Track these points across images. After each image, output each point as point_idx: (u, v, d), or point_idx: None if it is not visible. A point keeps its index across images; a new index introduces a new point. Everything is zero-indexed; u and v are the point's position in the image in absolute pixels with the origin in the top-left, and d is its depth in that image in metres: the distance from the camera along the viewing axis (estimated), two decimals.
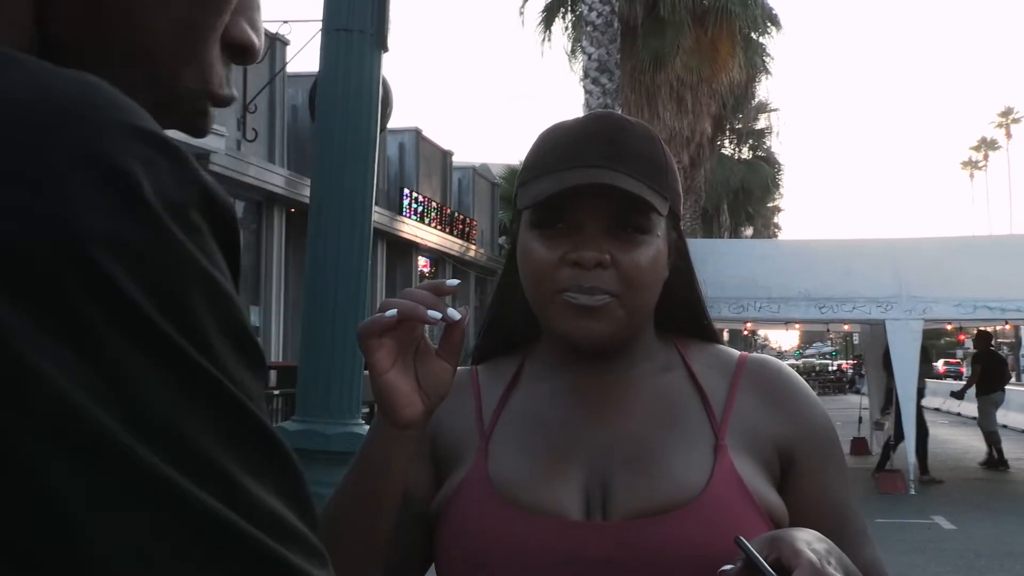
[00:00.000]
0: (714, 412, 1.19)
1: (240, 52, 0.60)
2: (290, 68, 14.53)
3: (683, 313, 1.27)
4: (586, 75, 14.15)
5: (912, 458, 11.51)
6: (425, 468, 1.22)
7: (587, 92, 14.07)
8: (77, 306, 0.42)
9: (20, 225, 0.42)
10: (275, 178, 13.56)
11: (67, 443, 0.41)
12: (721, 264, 12.42)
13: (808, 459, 1.20)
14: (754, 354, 1.28)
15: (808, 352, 71.47)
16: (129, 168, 0.44)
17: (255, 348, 0.49)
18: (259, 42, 0.61)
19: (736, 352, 1.27)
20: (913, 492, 11.32)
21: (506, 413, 1.22)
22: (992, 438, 14.01)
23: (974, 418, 24.37)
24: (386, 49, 4.14)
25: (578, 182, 1.13)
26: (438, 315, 1.04)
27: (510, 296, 1.26)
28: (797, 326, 16.73)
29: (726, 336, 37.19)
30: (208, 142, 11.59)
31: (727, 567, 1.01)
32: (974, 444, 13.82)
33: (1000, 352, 12.71)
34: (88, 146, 0.44)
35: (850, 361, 46.07)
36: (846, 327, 16.47)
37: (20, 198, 0.42)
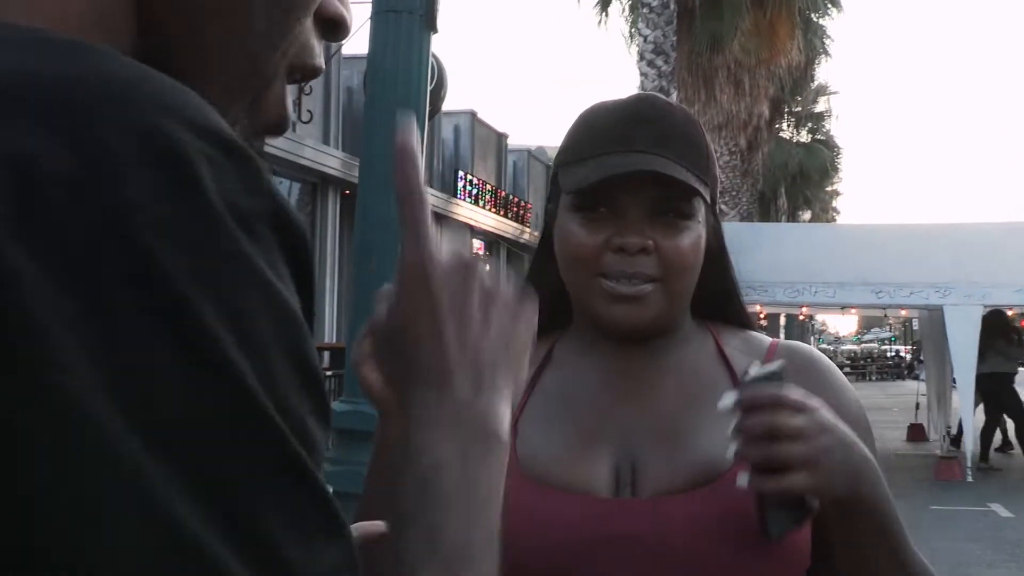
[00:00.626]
0: None
1: (332, 27, 0.60)
2: (345, 50, 14.62)
3: (718, 298, 1.27)
4: (641, 57, 14.07)
5: (970, 444, 11.34)
6: None
7: (642, 75, 13.98)
8: (109, 281, 0.40)
9: (67, 192, 0.40)
10: (330, 160, 13.67)
11: (55, 433, 0.38)
12: (777, 248, 12.31)
13: None
14: (785, 340, 1.29)
15: (866, 338, 70.55)
16: (189, 158, 0.42)
17: (319, 388, 0.44)
18: (350, 16, 0.61)
19: (768, 338, 1.28)
20: (970, 479, 11.16)
21: (536, 393, 1.23)
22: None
23: None
24: (435, 30, 4.15)
25: (625, 168, 1.13)
26: None
27: (543, 277, 1.26)
28: (854, 311, 16.51)
29: (782, 321, 36.81)
30: None
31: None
32: None
33: None
34: (149, 129, 0.42)
35: (909, 347, 45.42)
36: (903, 312, 16.24)
37: (70, 167, 0.40)
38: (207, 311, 0.41)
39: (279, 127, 0.60)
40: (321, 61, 0.61)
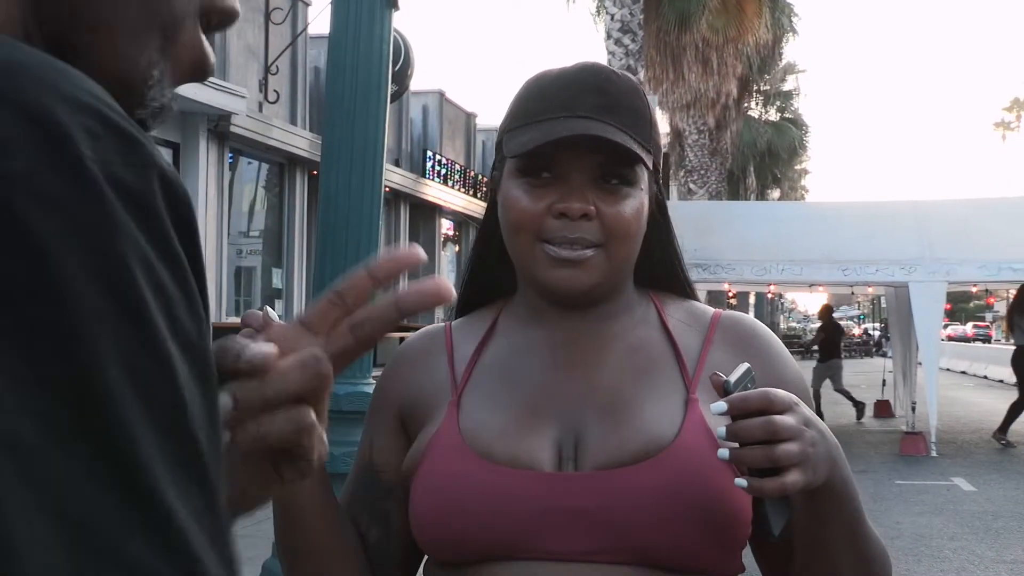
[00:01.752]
0: (687, 366, 1.20)
1: (222, 22, 0.61)
2: (312, 29, 14.51)
3: (660, 267, 1.28)
4: (608, 36, 14.05)
5: (934, 420, 11.48)
6: (391, 437, 1.25)
7: (609, 53, 13.97)
8: None
9: None
10: (297, 140, 13.58)
11: None
12: (744, 226, 12.37)
13: None
14: (728, 311, 1.29)
15: (835, 316, 71.01)
16: (70, 132, 0.43)
17: (204, 359, 0.46)
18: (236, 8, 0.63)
19: (711, 308, 1.29)
20: (935, 454, 11.30)
21: (479, 367, 1.23)
22: (845, 394, 15.15)
23: (1000, 381, 24.28)
24: (396, 7, 4.13)
25: (568, 133, 1.13)
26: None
27: (490, 245, 1.27)
28: (821, 289, 16.62)
29: (751, 299, 37.02)
30: (229, 103, 11.62)
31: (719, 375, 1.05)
32: (998, 407, 13.73)
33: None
34: (31, 107, 0.43)
35: (878, 325, 45.82)
36: (870, 290, 16.37)
37: None
38: (84, 280, 0.42)
39: (199, 71, 0.61)
40: (235, 4, 0.61)
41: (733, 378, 1.04)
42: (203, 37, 0.60)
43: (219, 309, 12.49)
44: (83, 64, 0.53)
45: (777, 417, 1.01)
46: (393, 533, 1.23)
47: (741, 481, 1.02)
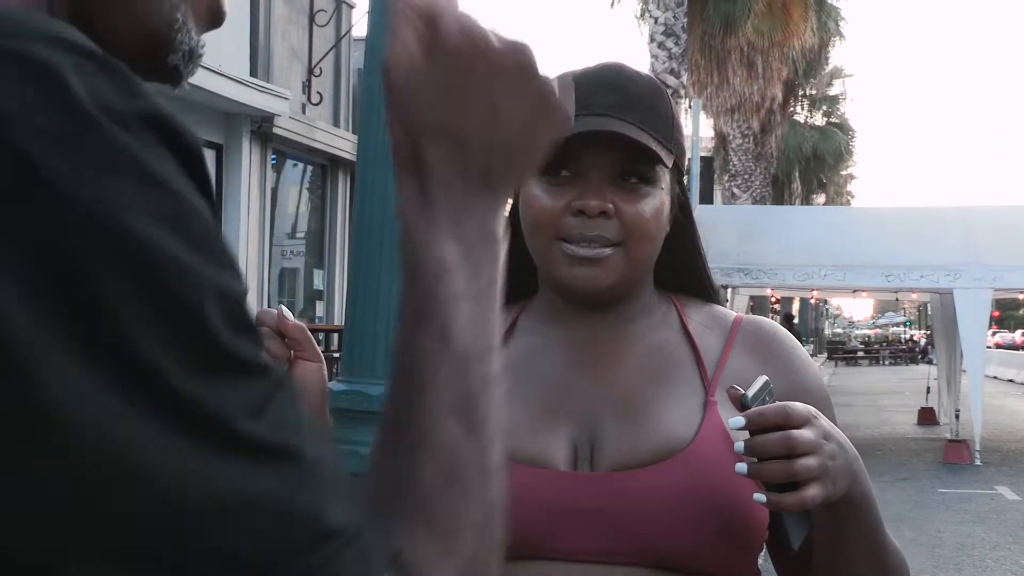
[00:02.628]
0: (706, 369, 1.19)
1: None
2: (356, 32, 14.60)
3: (683, 270, 1.27)
4: (652, 39, 13.99)
5: (979, 428, 11.31)
6: None
7: (653, 56, 13.92)
8: None
9: None
10: (340, 142, 13.66)
11: None
12: (787, 231, 12.27)
13: None
14: (750, 315, 1.29)
15: (880, 322, 70.26)
16: (58, 69, 0.44)
17: (221, 254, 0.47)
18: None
19: (732, 312, 1.28)
20: (979, 463, 11.13)
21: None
22: None
23: None
24: None
25: (584, 129, 1.12)
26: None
27: (511, 246, 1.26)
28: (866, 295, 16.44)
29: (796, 305, 36.70)
30: (272, 105, 11.72)
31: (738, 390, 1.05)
32: None
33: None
34: (18, 50, 0.44)
35: (924, 331, 45.25)
36: (915, 296, 16.17)
37: None
38: (90, 205, 0.43)
39: (215, 15, 0.65)
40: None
41: (751, 392, 1.03)
42: None
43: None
44: (107, 16, 0.56)
45: (795, 432, 1.00)
46: None
47: (760, 497, 1.02)
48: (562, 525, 1.11)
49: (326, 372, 1.13)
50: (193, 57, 0.62)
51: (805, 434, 1.01)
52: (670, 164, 1.17)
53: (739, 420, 1.02)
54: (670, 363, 1.20)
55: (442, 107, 0.57)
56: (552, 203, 1.16)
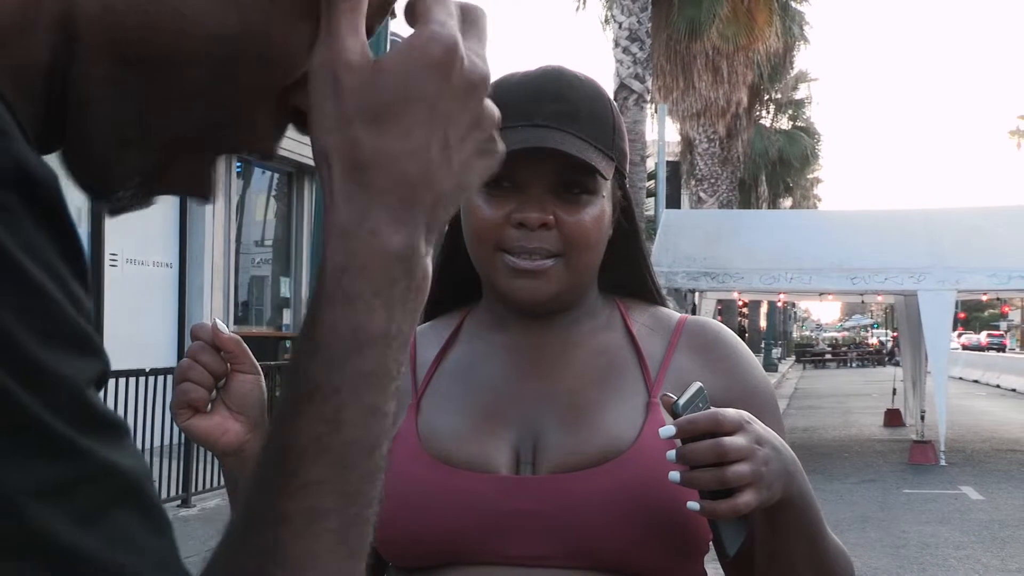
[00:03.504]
0: (649, 371, 1.19)
1: (300, 119, 0.57)
2: None
3: (627, 273, 1.27)
4: (616, 44, 14.04)
5: (943, 429, 11.41)
6: None
7: (617, 61, 13.96)
8: None
9: None
10: (305, 149, 13.49)
11: None
12: (753, 235, 12.35)
13: None
14: (694, 316, 1.29)
15: (848, 324, 70.83)
16: None
17: (79, 333, 0.44)
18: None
19: (677, 314, 1.28)
20: (943, 463, 11.24)
21: (440, 371, 1.22)
22: None
23: (1013, 390, 24.09)
24: (393, 15, 4.14)
25: (525, 144, 1.12)
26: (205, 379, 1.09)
27: (455, 252, 1.26)
28: (832, 298, 16.57)
29: (764, 308, 36.87)
30: None
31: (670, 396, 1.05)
32: (1010, 416, 13.67)
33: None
34: None
35: (891, 334, 45.67)
36: (880, 298, 16.32)
37: None
38: None
39: (196, 195, 0.59)
40: (273, 145, 0.59)
41: (683, 400, 1.03)
42: (212, 167, 0.58)
43: (229, 318, 12.52)
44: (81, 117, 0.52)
45: (726, 439, 1.00)
46: None
47: (693, 504, 1.02)
48: (504, 529, 1.10)
49: (263, 383, 1.12)
50: (124, 210, 0.58)
51: (736, 441, 1.00)
52: (610, 175, 1.17)
53: (669, 429, 1.02)
54: (613, 366, 1.20)
55: (392, 128, 0.52)
56: (492, 214, 1.15)
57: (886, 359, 40.79)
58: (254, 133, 0.57)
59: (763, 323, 37.75)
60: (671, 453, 1.02)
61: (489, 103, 0.55)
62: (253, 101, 0.55)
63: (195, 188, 0.58)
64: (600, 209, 1.17)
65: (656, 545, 1.10)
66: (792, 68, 29.61)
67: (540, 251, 1.15)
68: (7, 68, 0.50)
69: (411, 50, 0.52)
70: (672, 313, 1.27)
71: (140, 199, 0.57)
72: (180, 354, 11.93)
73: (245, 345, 1.11)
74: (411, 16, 0.53)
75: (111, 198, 0.57)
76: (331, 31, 0.52)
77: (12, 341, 0.41)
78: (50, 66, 0.52)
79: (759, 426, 1.05)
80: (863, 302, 19.12)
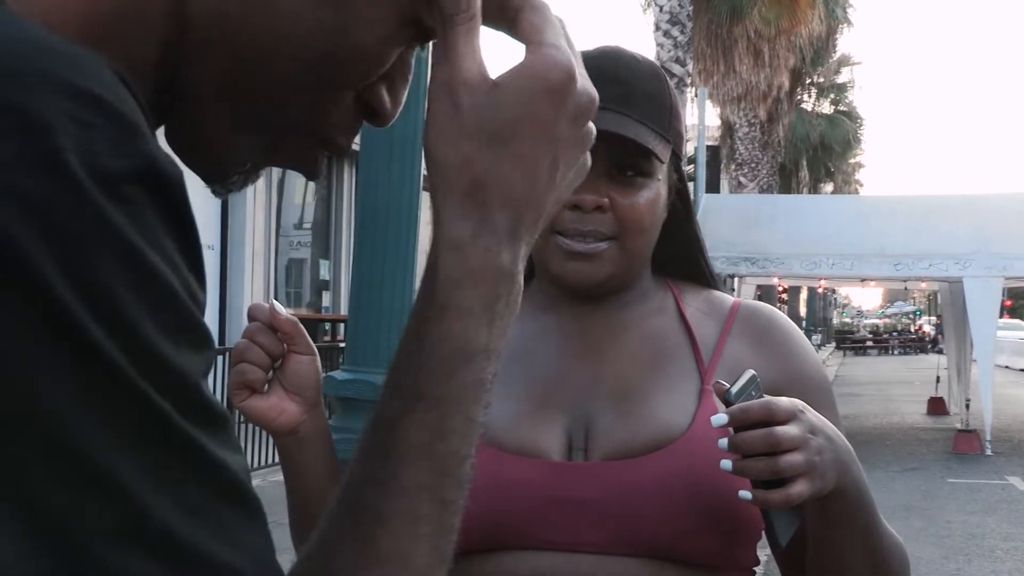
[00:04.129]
0: (702, 356, 1.18)
1: (370, 114, 0.61)
2: None
3: (681, 256, 1.26)
4: (657, 27, 13.93)
5: (989, 418, 11.26)
6: None
7: (658, 45, 13.85)
8: None
9: None
10: None
11: None
12: (794, 220, 12.24)
13: None
14: (749, 300, 1.27)
15: (890, 311, 70.22)
16: (48, 122, 0.42)
17: (195, 326, 0.45)
18: (392, 111, 0.62)
19: (731, 298, 1.26)
20: (989, 452, 11.09)
21: None
22: None
23: None
24: None
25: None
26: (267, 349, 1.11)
27: None
28: (874, 284, 16.39)
29: (803, 294, 36.64)
30: None
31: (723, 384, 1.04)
32: None
33: None
34: (12, 100, 0.42)
35: (934, 321, 45.19)
36: (924, 285, 16.12)
37: None
38: (61, 284, 0.41)
39: (305, 173, 0.63)
40: (346, 142, 0.62)
41: (735, 388, 1.02)
42: (308, 154, 0.61)
43: (268, 299, 12.60)
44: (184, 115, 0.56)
45: (779, 428, 0.99)
46: None
47: (745, 494, 1.02)
48: (555, 515, 1.09)
49: (319, 364, 1.13)
50: (235, 188, 0.62)
51: (789, 430, 1.00)
52: (667, 157, 1.16)
53: (722, 417, 1.01)
54: (666, 350, 1.18)
55: (508, 148, 0.54)
56: None
57: (929, 347, 40.37)
58: (337, 128, 0.60)
59: (803, 309, 37.48)
60: (723, 441, 1.01)
61: (591, 124, 0.59)
62: (337, 96, 0.58)
63: (302, 167, 0.62)
64: (655, 192, 1.16)
65: (707, 533, 1.09)
66: (835, 51, 29.29)
67: (594, 234, 1.14)
68: (126, 58, 0.51)
69: (531, 74, 0.54)
70: (726, 297, 1.25)
71: (249, 179, 0.61)
72: (222, 335, 12.04)
73: (301, 326, 1.12)
74: (513, 28, 0.56)
75: (225, 183, 0.60)
76: (449, 51, 0.55)
77: (135, 331, 0.42)
78: (161, 57, 0.54)
79: (812, 415, 1.03)
80: (906, 288, 18.91)
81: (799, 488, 1.00)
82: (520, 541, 1.10)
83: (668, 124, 1.16)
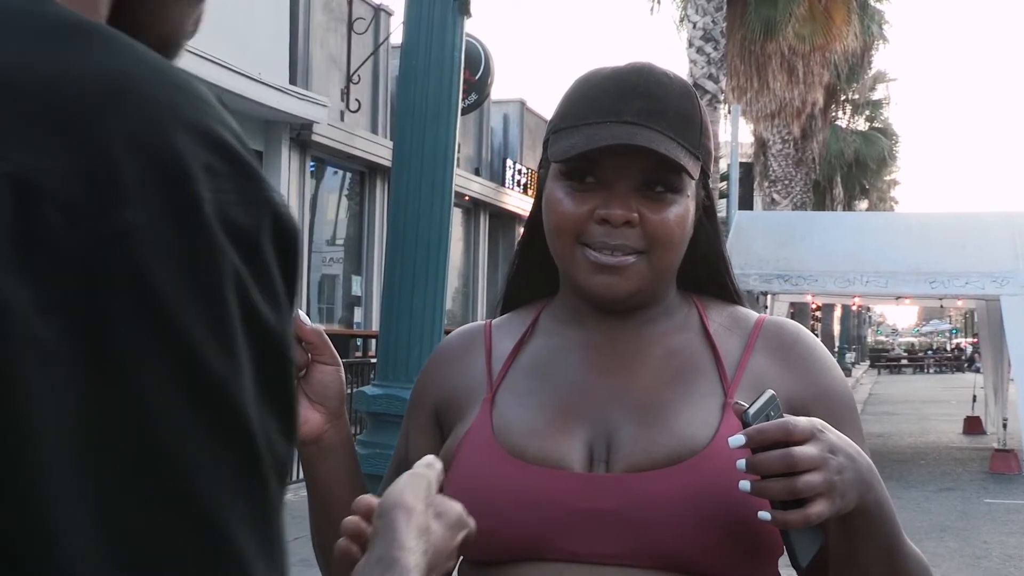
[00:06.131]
0: (726, 371, 1.17)
1: None
2: (394, 39, 14.65)
3: (705, 272, 1.26)
4: (690, 44, 13.92)
5: None
6: (425, 435, 1.25)
7: (691, 61, 13.84)
8: (108, 305, 0.41)
9: (66, 216, 0.41)
10: (378, 149, 13.71)
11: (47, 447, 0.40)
12: (828, 237, 12.14)
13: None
14: (774, 316, 1.27)
15: (925, 330, 69.48)
16: (190, 174, 0.43)
17: (290, 410, 0.48)
18: None
19: (755, 314, 1.26)
20: None
21: (516, 365, 1.22)
22: None
23: None
24: (468, 15, 4.13)
25: (612, 141, 1.11)
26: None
27: (534, 242, 1.26)
28: (909, 301, 16.22)
29: (837, 312, 36.30)
30: (311, 112, 11.78)
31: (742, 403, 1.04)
32: None
33: None
34: (153, 143, 0.42)
35: (970, 340, 44.65)
36: (960, 303, 15.94)
37: (70, 186, 0.41)
38: (199, 333, 0.42)
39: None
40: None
41: (753, 408, 1.01)
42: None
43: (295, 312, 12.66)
44: (132, 20, 0.55)
45: (797, 449, 0.99)
46: None
47: (765, 515, 1.01)
48: (577, 527, 1.09)
49: (343, 375, 1.15)
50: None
51: (808, 450, 0.99)
52: (696, 174, 1.16)
53: (739, 438, 1.01)
54: (689, 365, 1.18)
55: None
56: (576, 208, 1.14)
57: (965, 365, 39.88)
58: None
59: (837, 327, 37.14)
60: (741, 463, 1.00)
61: None
62: None
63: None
64: (684, 208, 1.16)
65: (729, 548, 1.08)
66: (870, 68, 29.10)
67: (623, 248, 1.13)
68: None
69: None
70: (750, 313, 1.25)
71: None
72: None
73: (326, 336, 1.15)
74: None
75: (176, 55, 0.61)
76: None
77: (234, 384, 0.44)
78: None
79: (833, 434, 1.02)
80: (942, 307, 18.69)
81: (818, 508, 0.99)
82: (542, 552, 1.10)
83: (698, 141, 1.16)
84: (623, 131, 1.12)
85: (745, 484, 1.00)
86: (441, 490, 1.17)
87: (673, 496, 1.08)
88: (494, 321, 1.30)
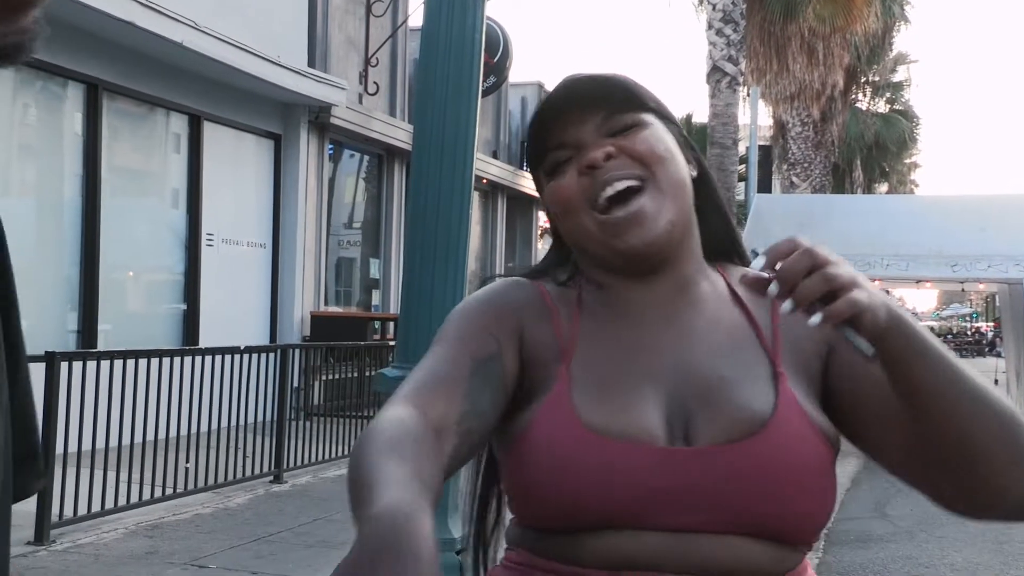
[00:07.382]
0: (765, 339, 1.23)
1: None
2: (412, 21, 14.61)
3: (713, 233, 1.31)
4: (710, 26, 13.84)
5: None
6: (513, 353, 1.20)
7: (711, 44, 13.76)
8: None
9: None
10: (396, 131, 13.69)
11: None
12: (848, 220, 12.07)
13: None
14: None
15: (945, 314, 69.12)
16: None
17: None
18: None
19: (765, 274, 1.25)
20: None
21: (582, 336, 1.23)
22: None
23: None
24: None
25: (558, 101, 1.23)
26: None
27: (559, 260, 1.33)
28: (930, 285, 16.13)
29: None
30: (329, 95, 11.78)
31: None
32: None
33: None
34: None
35: (991, 323, 44.41)
36: (981, 287, 15.83)
37: None
38: None
39: None
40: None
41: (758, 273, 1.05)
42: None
43: (317, 300, 12.69)
44: None
45: (811, 247, 1.03)
46: (485, 419, 1.14)
47: (815, 318, 1.02)
48: (660, 500, 1.12)
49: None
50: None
51: (820, 251, 1.03)
52: (650, 109, 1.24)
53: (773, 286, 1.03)
54: (733, 336, 1.23)
55: None
56: (568, 181, 1.21)
57: (986, 350, 39.69)
58: None
59: None
60: (773, 287, 1.02)
61: None
62: None
63: None
64: (657, 131, 1.23)
65: (804, 508, 1.13)
66: (891, 49, 28.89)
67: (622, 175, 1.19)
68: None
69: None
70: (761, 274, 1.26)
71: None
72: (273, 333, 12.15)
73: None
74: None
75: None
76: None
77: None
78: None
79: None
80: (963, 290, 18.57)
81: (855, 294, 1.01)
82: (627, 522, 1.13)
83: (644, 104, 1.24)
84: (566, 93, 1.24)
85: (787, 305, 1.02)
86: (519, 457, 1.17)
87: (752, 467, 1.13)
88: (549, 288, 1.29)
